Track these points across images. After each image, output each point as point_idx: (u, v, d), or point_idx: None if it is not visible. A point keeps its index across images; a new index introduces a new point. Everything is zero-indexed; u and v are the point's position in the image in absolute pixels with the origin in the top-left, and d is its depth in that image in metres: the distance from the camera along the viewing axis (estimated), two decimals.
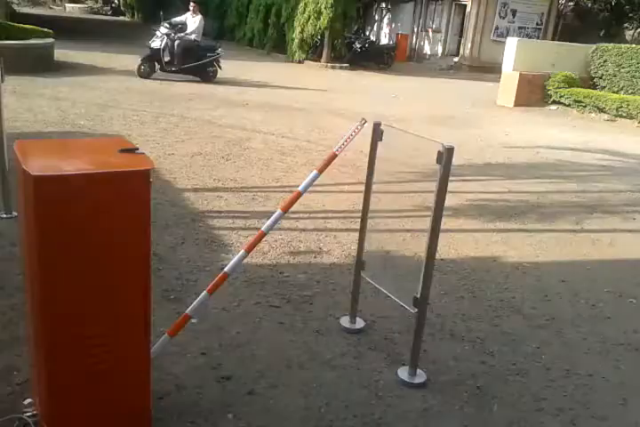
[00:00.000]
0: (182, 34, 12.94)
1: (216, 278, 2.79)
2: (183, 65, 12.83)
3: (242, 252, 2.83)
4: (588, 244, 5.15)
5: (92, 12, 42.32)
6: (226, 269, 2.80)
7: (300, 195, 2.92)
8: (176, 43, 12.77)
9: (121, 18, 39.02)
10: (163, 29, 12.89)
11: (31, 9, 30.44)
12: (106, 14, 41.52)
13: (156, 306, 3.23)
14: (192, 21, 13.31)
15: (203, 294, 2.77)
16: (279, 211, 2.89)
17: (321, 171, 2.93)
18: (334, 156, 2.95)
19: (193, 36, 13.13)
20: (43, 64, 12.03)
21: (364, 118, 2.96)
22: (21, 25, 13.79)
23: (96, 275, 2.15)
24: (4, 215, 4.47)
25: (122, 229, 2.16)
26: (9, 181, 4.43)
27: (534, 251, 4.88)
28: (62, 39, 14.28)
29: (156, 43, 12.72)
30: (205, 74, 13.17)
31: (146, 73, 12.66)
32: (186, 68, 12.88)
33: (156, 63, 12.87)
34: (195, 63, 12.91)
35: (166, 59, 12.72)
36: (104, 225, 2.12)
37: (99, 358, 2.23)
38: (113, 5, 43.02)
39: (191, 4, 13.49)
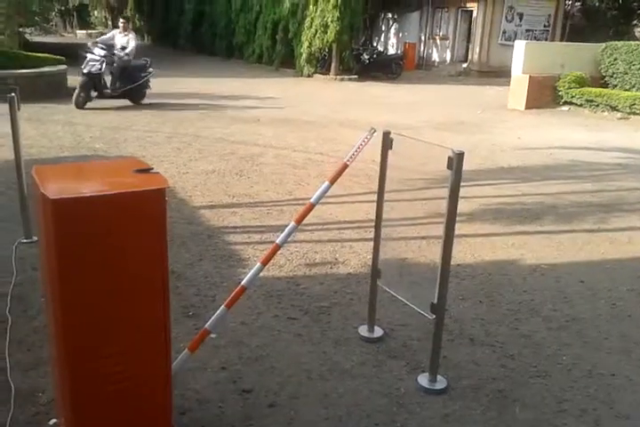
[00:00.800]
0: (122, 54, 11.56)
1: (234, 292, 2.82)
2: (121, 88, 11.62)
3: (258, 265, 2.87)
4: (606, 243, 5.12)
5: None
6: (243, 283, 2.83)
7: (312, 206, 2.95)
8: (114, 65, 11.46)
9: None
10: (98, 51, 11.26)
11: (43, 37, 31.00)
12: None
13: (176, 323, 3.28)
14: (122, 40, 11.94)
15: (221, 308, 2.80)
16: (293, 223, 2.93)
17: (332, 181, 2.97)
18: (345, 166, 2.98)
19: (130, 57, 11.82)
20: (56, 91, 12.25)
21: (373, 128, 2.98)
22: (35, 53, 14.08)
23: (116, 294, 2.19)
24: (25, 240, 4.56)
25: (140, 247, 2.20)
26: (28, 207, 4.53)
27: (552, 252, 4.86)
28: (74, 65, 14.53)
29: (95, 67, 11.10)
30: (139, 95, 12.00)
31: (82, 102, 11.12)
32: (124, 92, 11.70)
33: (93, 90, 11.37)
34: (132, 85, 11.69)
35: (107, 83, 11.46)
36: (122, 244, 2.17)
37: (121, 377, 2.27)
38: None
39: (120, 20, 12.53)
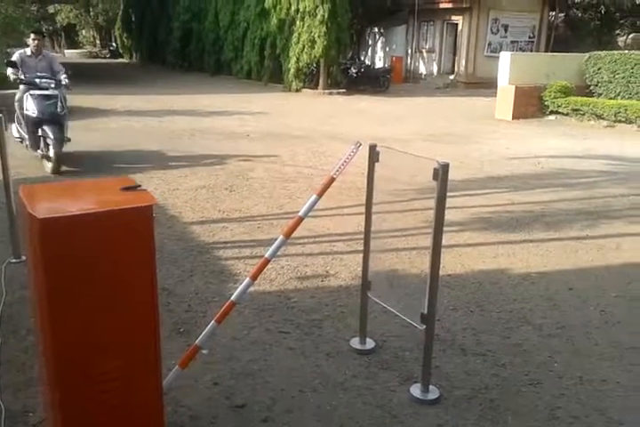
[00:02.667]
0: (66, 82, 7.78)
1: (223, 307, 2.83)
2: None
3: (247, 279, 2.88)
4: (595, 250, 5.15)
5: (92, 56, 43.31)
6: (232, 298, 2.84)
7: (301, 220, 2.97)
8: (60, 100, 7.60)
9: (120, 60, 39.85)
10: (46, 82, 7.55)
11: None
12: (105, 57, 42.46)
13: (167, 339, 3.28)
14: (39, 65, 7.84)
15: (211, 323, 2.81)
16: (281, 237, 2.94)
17: (320, 195, 2.99)
18: (332, 179, 3.01)
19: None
20: None
21: (358, 141, 3.01)
22: None
23: (104, 312, 2.20)
24: (14, 260, 4.54)
25: (128, 264, 2.21)
26: (17, 227, 4.52)
27: (541, 261, 4.89)
28: None
29: (59, 106, 7.48)
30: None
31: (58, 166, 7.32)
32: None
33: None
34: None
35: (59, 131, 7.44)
36: (110, 262, 2.18)
37: (111, 394, 2.27)
38: (111, 48, 44.05)
39: (32, 36, 7.95)
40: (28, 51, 7.89)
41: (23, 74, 7.67)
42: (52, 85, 7.57)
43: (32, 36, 7.99)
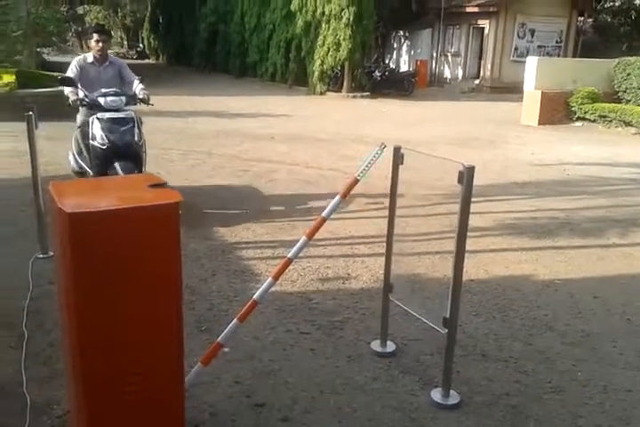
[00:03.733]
0: (143, 95, 5.78)
1: (246, 306, 2.85)
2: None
3: (269, 279, 2.89)
4: (621, 258, 5.08)
5: (119, 56, 43.64)
6: (255, 297, 2.86)
7: (324, 221, 2.97)
8: (137, 125, 5.59)
9: (146, 61, 40.27)
10: (117, 100, 5.52)
11: (60, 57, 31.60)
12: (132, 58, 42.93)
13: (190, 337, 3.30)
14: (104, 74, 5.93)
15: (233, 321, 2.83)
16: (304, 238, 2.95)
17: (344, 196, 2.99)
18: (356, 181, 3.01)
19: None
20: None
21: (383, 143, 3.01)
22: (52, 73, 14.35)
23: (129, 307, 2.22)
24: (41, 255, 4.62)
25: (154, 260, 2.23)
26: (45, 223, 4.59)
27: (565, 268, 4.83)
28: None
29: (136, 133, 5.50)
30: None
31: None
32: None
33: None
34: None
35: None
36: (137, 258, 2.20)
37: (135, 389, 2.28)
38: (138, 49, 44.54)
39: (94, 37, 5.85)
40: (90, 57, 5.90)
41: (83, 90, 5.67)
42: (123, 104, 5.57)
43: (95, 36, 5.87)
